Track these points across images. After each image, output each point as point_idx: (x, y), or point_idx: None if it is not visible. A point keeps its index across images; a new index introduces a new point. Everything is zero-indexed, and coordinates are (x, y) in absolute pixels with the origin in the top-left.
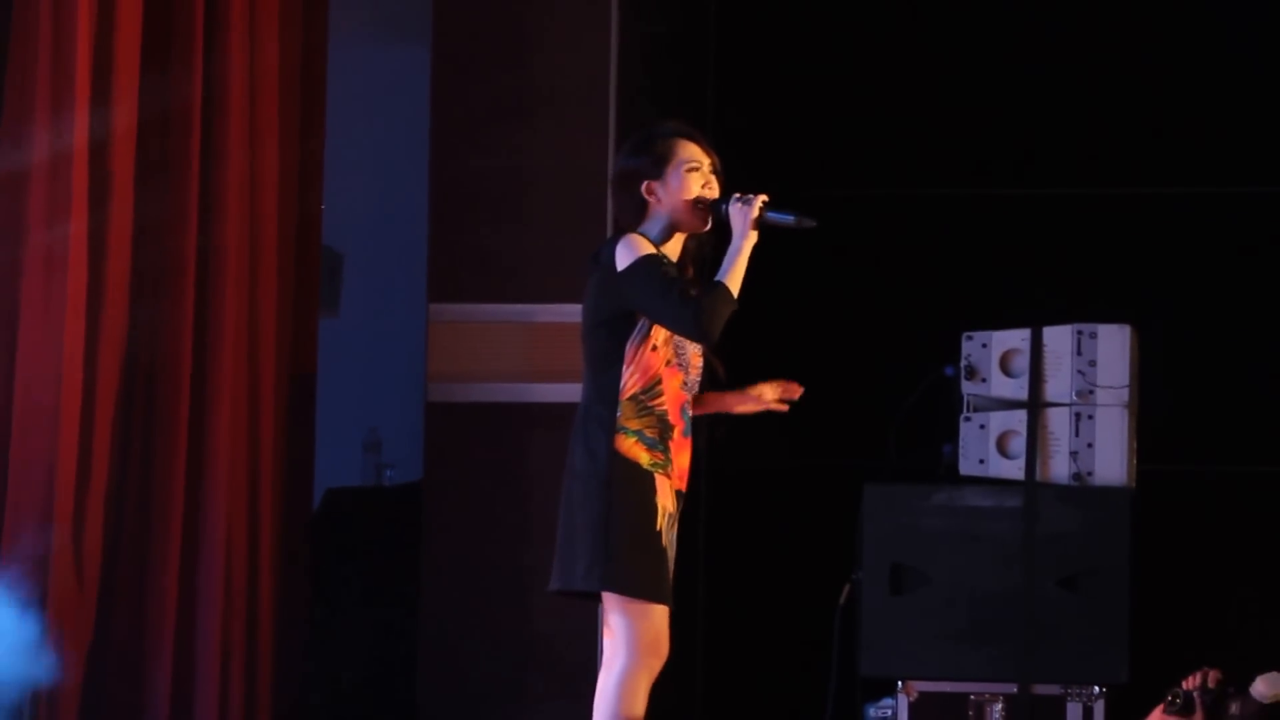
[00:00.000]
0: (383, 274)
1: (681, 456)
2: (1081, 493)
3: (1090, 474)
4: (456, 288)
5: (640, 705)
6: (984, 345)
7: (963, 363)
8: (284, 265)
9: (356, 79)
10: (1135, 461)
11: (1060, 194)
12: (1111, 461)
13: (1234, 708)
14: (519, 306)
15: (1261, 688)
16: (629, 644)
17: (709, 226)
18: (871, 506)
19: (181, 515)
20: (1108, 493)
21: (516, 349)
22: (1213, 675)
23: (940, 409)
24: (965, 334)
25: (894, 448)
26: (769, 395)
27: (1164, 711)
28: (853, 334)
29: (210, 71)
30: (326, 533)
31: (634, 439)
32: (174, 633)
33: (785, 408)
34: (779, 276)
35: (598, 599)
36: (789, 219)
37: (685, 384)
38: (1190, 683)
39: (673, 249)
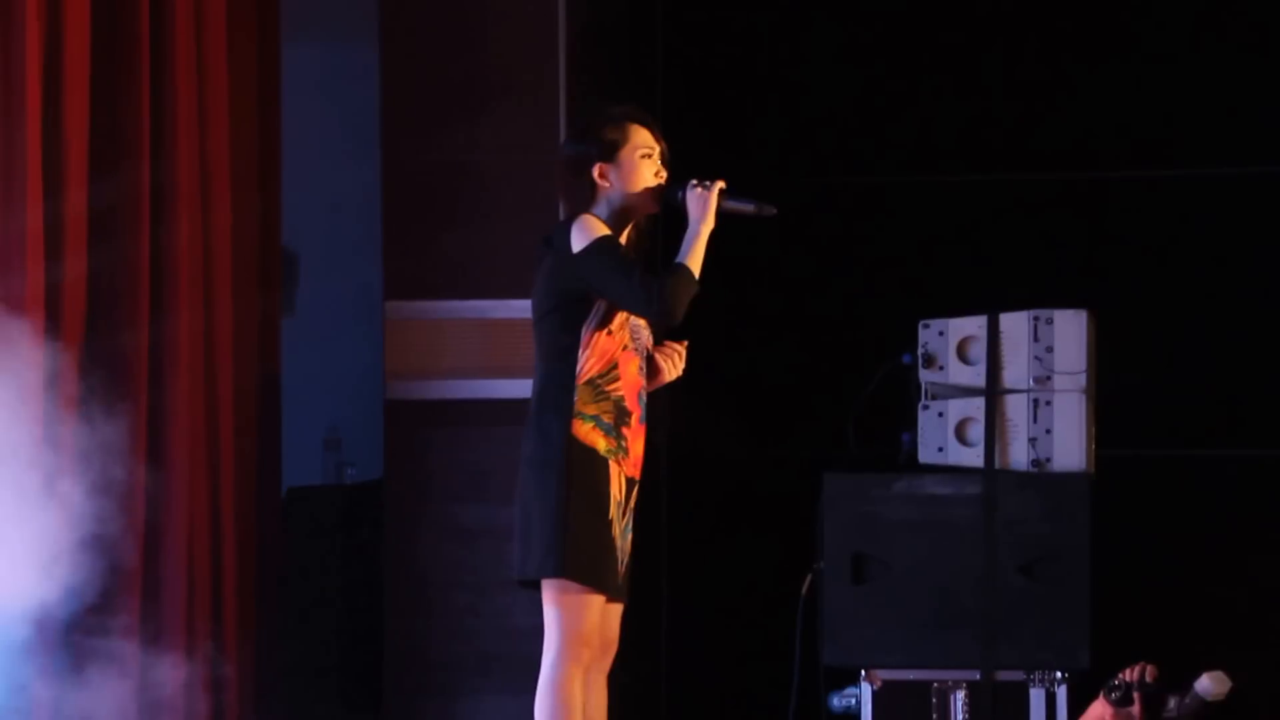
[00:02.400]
0: (338, 272)
1: (637, 443)
2: (1041, 479)
3: (1049, 460)
4: (412, 285)
5: (577, 696)
6: (941, 333)
7: (920, 350)
8: (241, 268)
9: (304, 74)
10: (1094, 447)
11: (1015, 179)
12: (1070, 447)
13: (1172, 703)
14: (476, 303)
15: (1208, 684)
16: (560, 632)
17: (657, 210)
18: (831, 496)
19: (143, 518)
20: (1067, 478)
21: (474, 345)
22: (1150, 670)
23: (898, 397)
24: (922, 321)
25: (852, 437)
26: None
27: (1104, 700)
28: (809, 323)
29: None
30: (288, 531)
31: (591, 424)
32: (138, 634)
33: (670, 353)
34: (733, 265)
35: (536, 586)
36: (748, 206)
37: (641, 368)
38: (1129, 674)
39: (619, 234)
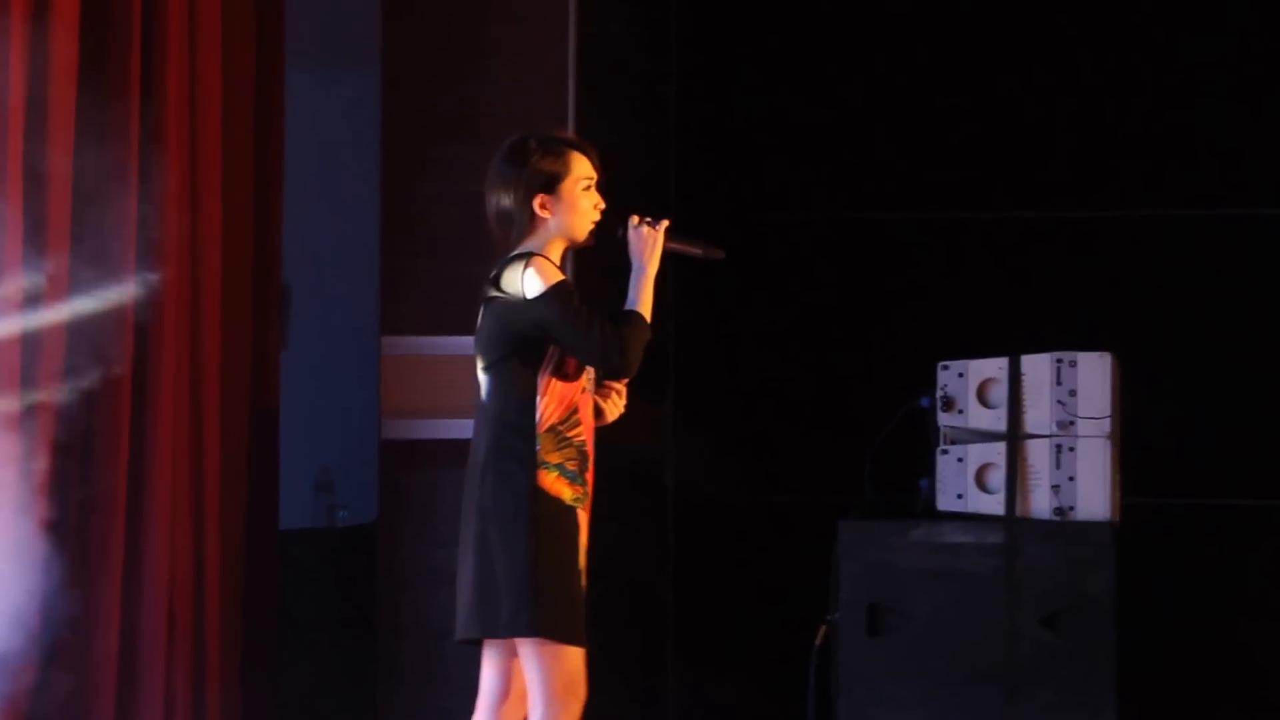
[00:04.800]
0: (332, 305)
1: (590, 485)
2: (1063, 528)
3: (1072, 508)
4: (410, 319)
5: None
6: (960, 375)
7: (938, 393)
8: (233, 301)
9: (303, 104)
10: (1119, 495)
11: (1037, 217)
12: (1094, 495)
13: None
14: None
15: None
16: (548, 689)
17: (594, 243)
18: (846, 544)
19: (122, 562)
20: (1091, 528)
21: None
22: None
23: (916, 442)
24: (941, 363)
25: (869, 483)
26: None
27: None
28: (824, 365)
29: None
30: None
31: (555, 473)
32: (115, 684)
33: (608, 393)
34: (746, 305)
35: (478, 642)
36: (695, 248)
37: (595, 409)
38: None
39: (556, 261)
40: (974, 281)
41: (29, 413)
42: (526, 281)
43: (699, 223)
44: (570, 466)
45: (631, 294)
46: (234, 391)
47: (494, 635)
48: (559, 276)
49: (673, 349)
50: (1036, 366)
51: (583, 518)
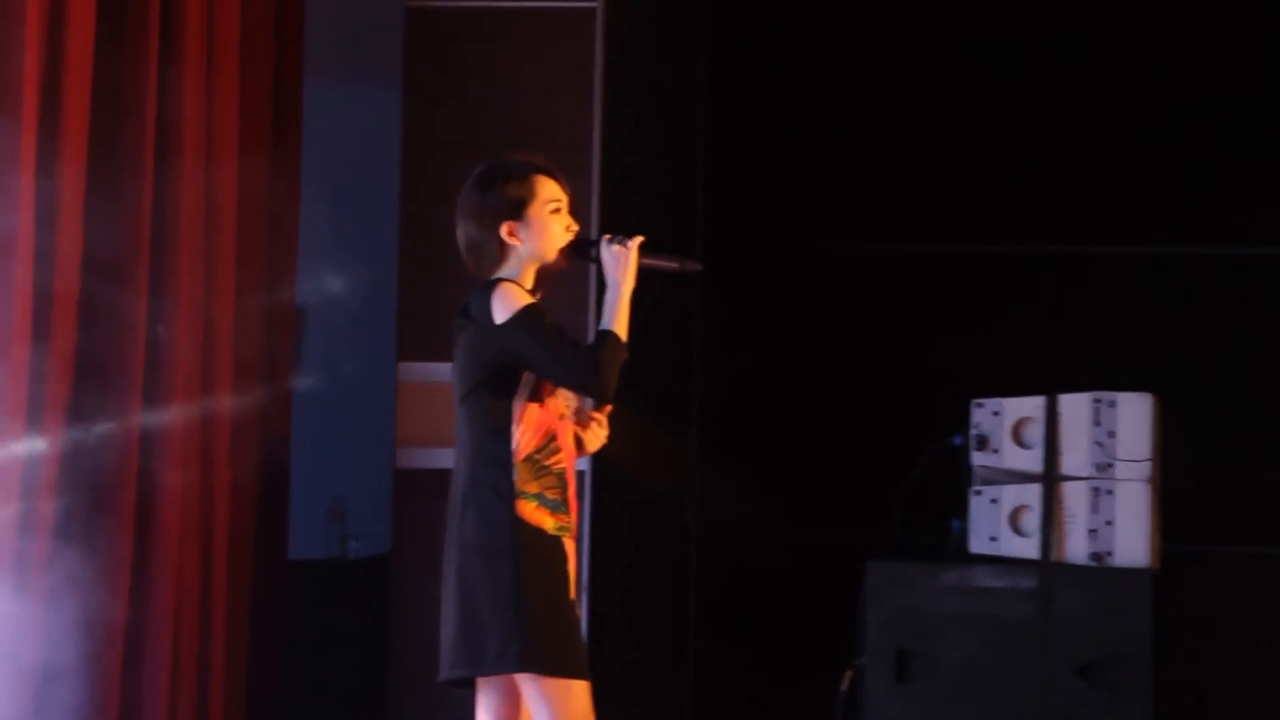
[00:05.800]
0: (347, 330)
1: (574, 514)
2: (1100, 574)
3: (1109, 554)
4: (428, 345)
5: None
6: (995, 413)
7: (973, 432)
8: (246, 323)
9: (321, 124)
10: (1158, 541)
11: (1078, 252)
12: (1132, 540)
13: None
14: None
15: None
16: None
17: (569, 266)
18: (875, 586)
19: (128, 589)
20: (1128, 574)
21: None
22: None
23: (949, 481)
24: (975, 401)
25: (899, 523)
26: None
27: None
28: (855, 400)
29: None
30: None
31: (535, 503)
32: (118, 714)
33: (588, 422)
34: (773, 339)
35: (471, 684)
36: (671, 262)
37: (576, 440)
38: None
39: (532, 290)
40: (1011, 317)
41: (34, 428)
42: (494, 307)
43: (728, 251)
44: (550, 495)
45: (606, 314)
46: (245, 417)
47: (482, 671)
48: (527, 300)
49: (698, 384)
50: (1075, 406)
51: (569, 547)
